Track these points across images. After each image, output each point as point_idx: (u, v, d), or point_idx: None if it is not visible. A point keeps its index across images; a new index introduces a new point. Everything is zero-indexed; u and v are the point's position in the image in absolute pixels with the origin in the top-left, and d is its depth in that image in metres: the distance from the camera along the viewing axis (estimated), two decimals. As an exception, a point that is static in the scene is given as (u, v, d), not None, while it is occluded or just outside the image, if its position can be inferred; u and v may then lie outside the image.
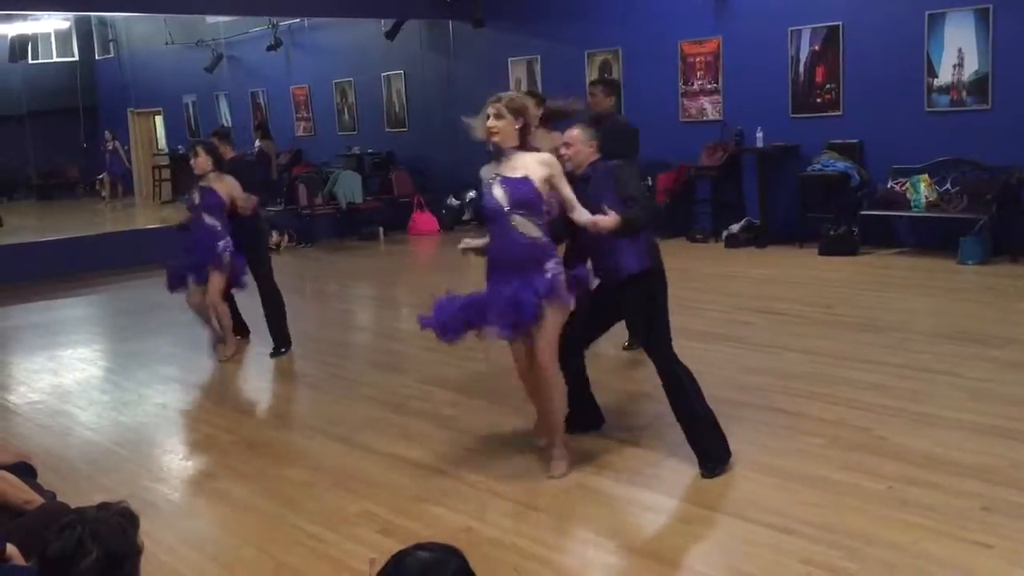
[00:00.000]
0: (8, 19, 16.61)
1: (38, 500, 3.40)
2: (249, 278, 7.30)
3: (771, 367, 5.99)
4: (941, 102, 9.68)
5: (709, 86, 11.63)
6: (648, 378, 5.89)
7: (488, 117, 4.30)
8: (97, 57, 21.97)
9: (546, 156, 4.31)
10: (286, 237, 13.41)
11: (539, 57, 13.55)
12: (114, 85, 21.33)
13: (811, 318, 7.28)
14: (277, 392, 6.71)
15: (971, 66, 9.41)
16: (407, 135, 15.78)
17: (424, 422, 5.44)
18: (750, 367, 6.01)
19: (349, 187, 14.26)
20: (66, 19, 19.16)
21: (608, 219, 4.17)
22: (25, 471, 3.81)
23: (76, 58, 21.42)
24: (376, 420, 5.53)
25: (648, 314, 4.45)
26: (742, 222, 11.04)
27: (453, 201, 14.52)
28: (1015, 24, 9.10)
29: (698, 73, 11.72)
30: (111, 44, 21.45)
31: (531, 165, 4.25)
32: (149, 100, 20.89)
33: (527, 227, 4.23)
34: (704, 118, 11.71)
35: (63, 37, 20.97)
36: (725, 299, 8.13)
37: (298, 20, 16.63)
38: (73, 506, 3.11)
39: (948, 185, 9.49)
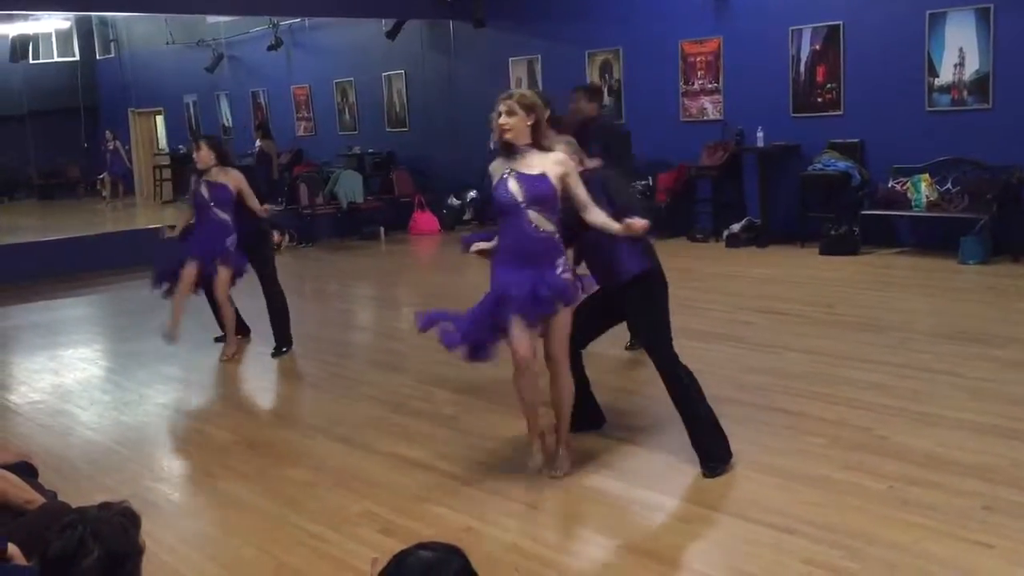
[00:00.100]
0: (9, 19, 16.61)
1: (39, 500, 3.40)
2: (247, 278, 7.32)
3: (772, 367, 5.99)
4: (942, 102, 9.68)
5: (710, 86, 11.62)
6: (649, 378, 5.89)
7: (500, 114, 4.27)
8: (98, 57, 21.98)
9: (560, 155, 4.29)
10: (287, 237, 13.40)
11: (540, 57, 13.55)
12: (115, 85, 21.33)
13: (812, 318, 7.27)
14: (278, 392, 6.71)
15: (972, 65, 9.41)
16: (408, 135, 15.78)
17: (425, 422, 5.44)
18: (751, 367, 6.01)
19: (350, 187, 14.26)
20: (67, 19, 19.15)
21: (642, 221, 4.17)
22: (26, 471, 3.81)
23: (77, 58, 21.43)
24: (377, 420, 5.53)
25: (650, 315, 4.46)
26: (743, 222, 11.04)
27: (454, 201, 14.52)
28: (1016, 23, 9.09)
29: (699, 73, 11.72)
30: (112, 44, 21.45)
31: (547, 163, 4.24)
32: (150, 100, 20.89)
33: (541, 222, 4.22)
34: (705, 118, 11.70)
35: (64, 37, 20.98)
36: (726, 299, 8.12)
37: (299, 20, 16.64)
38: (74, 506, 3.11)
39: (949, 185, 9.49)
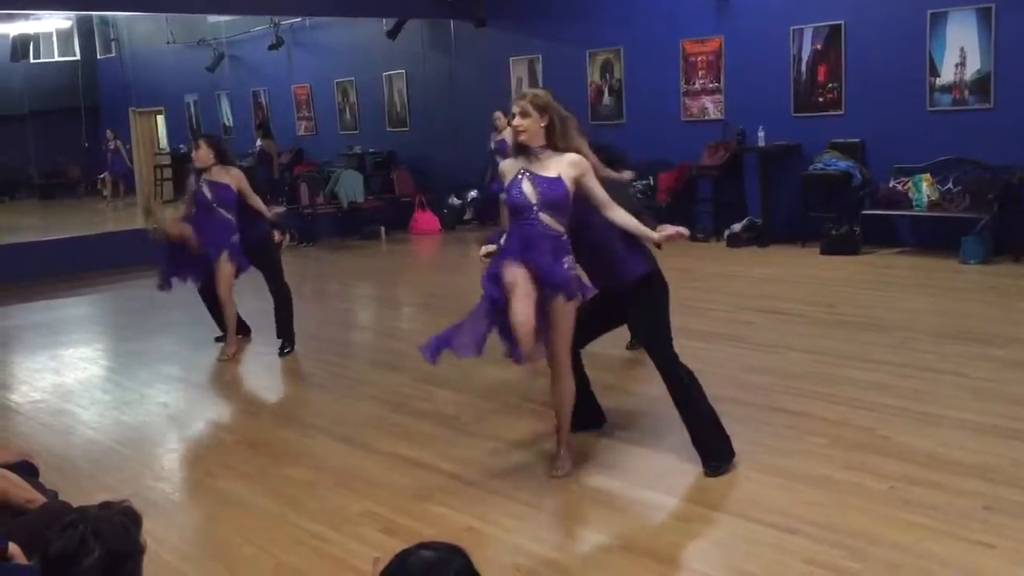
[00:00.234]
0: (10, 18, 16.61)
1: (40, 499, 3.40)
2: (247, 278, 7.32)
3: (773, 367, 5.99)
4: (943, 101, 9.68)
5: (711, 85, 11.62)
6: (649, 378, 5.89)
7: (514, 115, 4.23)
8: (99, 56, 21.96)
9: (575, 157, 4.23)
10: (287, 236, 13.39)
11: (540, 57, 13.54)
12: (116, 84, 21.31)
13: (813, 318, 7.27)
14: (279, 391, 6.70)
15: (973, 65, 9.41)
16: (408, 134, 15.78)
17: (426, 422, 5.44)
18: (752, 367, 6.00)
19: (350, 186, 14.27)
20: (68, 18, 19.15)
21: (681, 229, 4.24)
22: (27, 470, 3.81)
23: (78, 57, 21.40)
24: (378, 419, 5.53)
25: (651, 315, 4.46)
26: (744, 221, 11.03)
27: (454, 200, 14.53)
28: (1017, 23, 9.09)
29: (700, 72, 11.71)
30: (113, 43, 21.43)
31: (563, 165, 4.20)
32: (151, 99, 20.87)
33: (552, 223, 4.20)
34: (706, 117, 11.70)
35: (65, 36, 20.96)
36: (727, 298, 8.12)
37: (300, 19, 16.63)
38: (75, 505, 3.11)
39: (950, 184, 9.49)
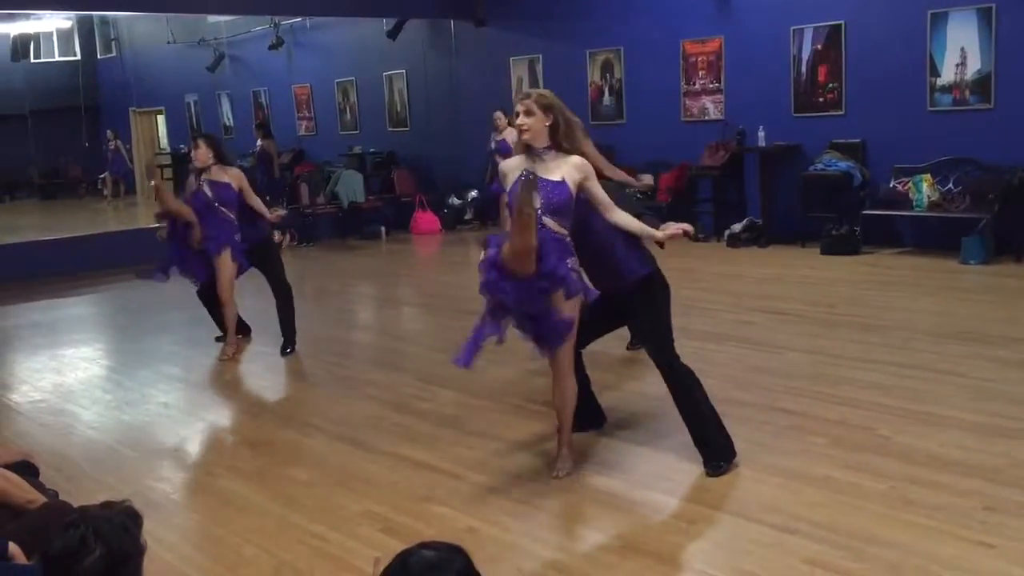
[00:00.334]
0: (10, 18, 16.63)
1: (40, 499, 3.40)
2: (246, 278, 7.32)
3: (774, 367, 5.99)
4: (944, 101, 9.67)
5: (711, 85, 11.62)
6: (650, 378, 5.89)
7: (518, 114, 4.19)
8: (99, 56, 21.99)
9: (579, 159, 4.20)
10: (288, 237, 13.40)
11: (540, 56, 13.55)
12: (116, 84, 21.34)
13: (813, 318, 7.27)
14: (279, 391, 6.70)
15: (974, 65, 9.41)
16: (409, 134, 15.79)
17: (426, 422, 5.43)
18: (752, 367, 6.00)
19: (351, 186, 14.27)
20: (68, 18, 19.17)
21: (685, 225, 4.23)
22: (27, 470, 3.81)
23: (78, 57, 21.42)
24: (378, 419, 5.53)
25: (653, 316, 4.46)
26: (744, 221, 11.03)
27: (455, 200, 14.53)
28: (1018, 23, 9.09)
29: (700, 72, 11.71)
30: (113, 43, 21.47)
31: (567, 168, 4.17)
32: (151, 99, 20.90)
33: (556, 227, 4.18)
34: (706, 117, 11.70)
35: (65, 36, 20.98)
36: (727, 299, 8.12)
37: (300, 19, 16.64)
38: (76, 505, 3.11)
39: (950, 185, 9.49)
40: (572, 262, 4.23)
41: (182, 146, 19.05)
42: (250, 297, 7.84)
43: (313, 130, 17.74)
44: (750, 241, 10.84)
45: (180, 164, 18.11)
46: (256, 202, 7.05)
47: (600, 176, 4.48)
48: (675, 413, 4.51)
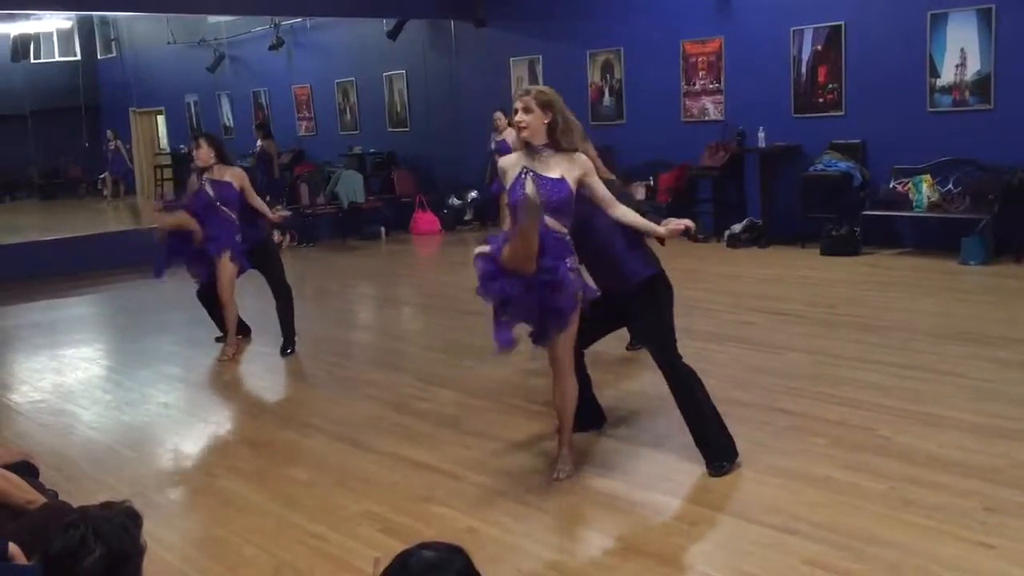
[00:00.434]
0: (10, 18, 16.62)
1: (40, 499, 3.40)
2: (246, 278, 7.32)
3: (774, 367, 5.99)
4: (943, 102, 9.68)
5: (711, 86, 11.62)
6: (650, 378, 5.89)
7: (517, 112, 4.18)
8: (99, 56, 21.98)
9: (578, 155, 4.19)
10: (288, 237, 13.41)
11: (540, 57, 13.55)
12: (116, 84, 21.33)
13: (813, 318, 7.27)
14: (279, 391, 6.70)
15: (973, 66, 9.41)
16: (409, 135, 15.79)
17: (426, 422, 5.43)
18: (753, 367, 6.00)
19: (351, 187, 14.27)
20: (68, 19, 19.16)
21: (680, 221, 4.20)
22: (27, 470, 3.81)
23: (78, 57, 21.42)
24: (378, 419, 5.53)
25: (656, 317, 4.45)
26: (744, 222, 11.03)
27: (455, 201, 14.53)
28: (1018, 24, 9.09)
29: (700, 73, 11.71)
30: (113, 43, 21.46)
31: (566, 166, 4.15)
32: (151, 99, 20.90)
33: (555, 225, 4.16)
34: (706, 118, 11.70)
35: (65, 36, 20.98)
36: (727, 299, 8.12)
37: (300, 20, 16.65)
38: (76, 505, 3.11)
39: (950, 185, 9.49)
40: (571, 261, 4.22)
41: (182, 146, 19.05)
42: (250, 297, 7.84)
43: (313, 130, 17.74)
44: (750, 242, 10.84)
45: (180, 164, 18.12)
46: (258, 202, 7.05)
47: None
48: (675, 413, 4.52)
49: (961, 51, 9.47)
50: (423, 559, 1.91)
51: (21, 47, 17.22)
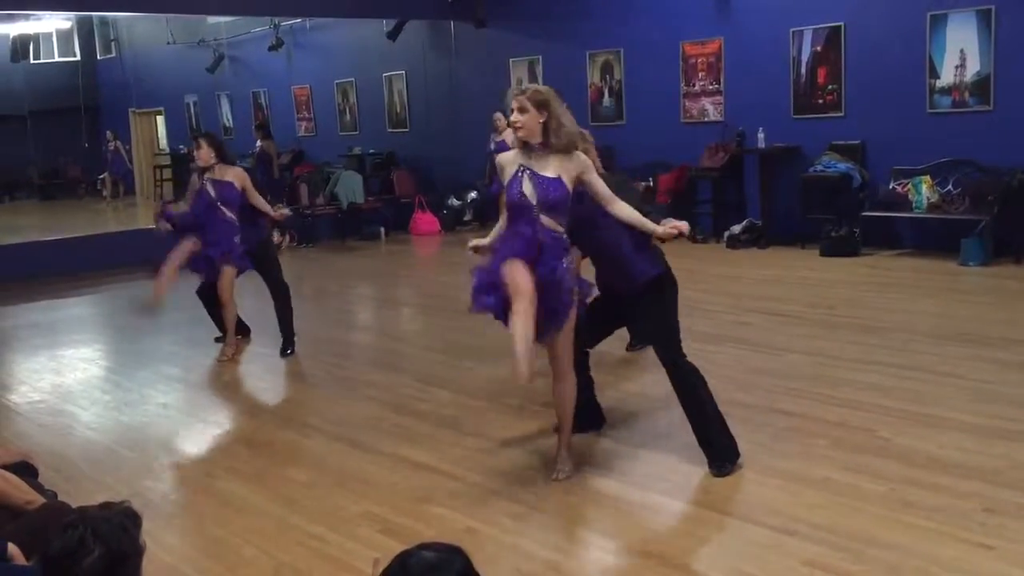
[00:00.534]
0: (10, 19, 16.62)
1: (39, 500, 3.40)
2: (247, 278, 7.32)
3: (773, 368, 5.99)
4: (943, 103, 9.68)
5: (711, 87, 11.62)
6: (650, 379, 5.89)
7: (512, 111, 4.18)
8: (99, 57, 21.98)
9: (575, 153, 4.18)
10: (287, 237, 13.41)
11: (540, 58, 13.55)
12: (116, 85, 21.33)
13: (813, 319, 7.27)
14: (278, 392, 6.70)
15: (973, 67, 9.41)
16: (408, 135, 15.79)
17: (426, 422, 5.43)
18: (752, 368, 6.00)
19: (350, 187, 14.27)
20: (68, 19, 19.16)
21: (679, 223, 4.13)
22: (26, 471, 3.81)
23: (78, 58, 21.41)
24: (377, 420, 5.53)
25: (662, 316, 4.44)
26: (743, 223, 11.03)
27: (454, 201, 14.53)
28: (1017, 25, 9.09)
29: (700, 74, 11.71)
30: (113, 44, 21.46)
31: (563, 164, 4.14)
32: (150, 100, 20.89)
33: (552, 224, 4.16)
34: (705, 119, 11.70)
35: (65, 37, 20.97)
36: (727, 300, 8.12)
37: (300, 20, 16.64)
38: (75, 506, 3.11)
39: (950, 186, 9.49)
40: (568, 259, 4.22)
41: (181, 147, 19.05)
42: (249, 298, 7.84)
43: (313, 131, 17.74)
44: (750, 242, 10.84)
45: (180, 165, 18.12)
46: (260, 201, 7.03)
47: None
48: (674, 414, 4.52)
49: (961, 52, 9.47)
50: (422, 560, 1.91)
51: (21, 47, 17.22)
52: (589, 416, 4.89)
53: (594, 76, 12.85)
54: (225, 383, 6.84)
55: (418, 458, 4.82)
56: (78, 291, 10.89)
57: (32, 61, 18.54)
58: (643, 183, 11.74)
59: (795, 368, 5.97)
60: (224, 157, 7.00)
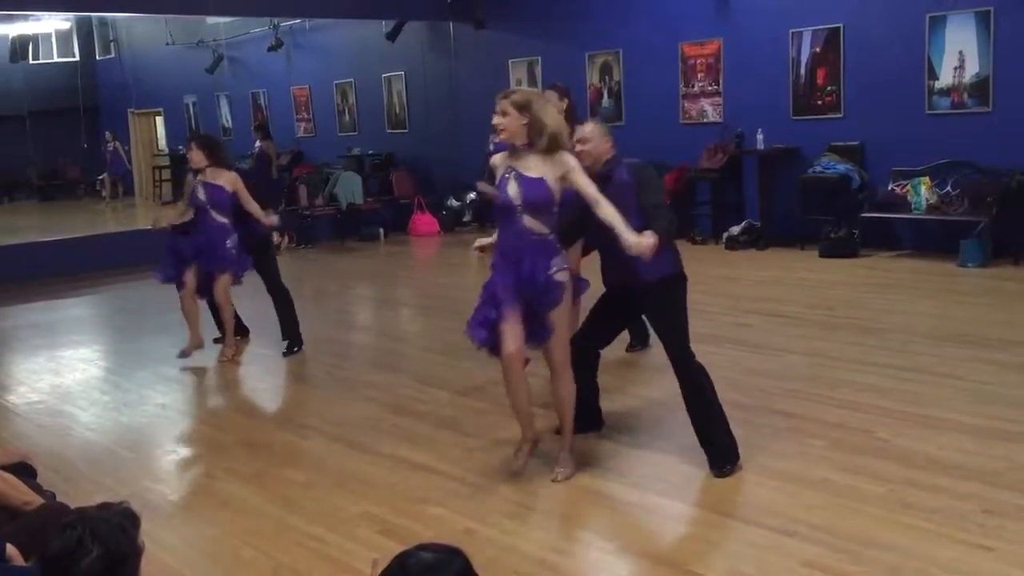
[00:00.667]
0: (9, 19, 16.63)
1: (37, 500, 3.40)
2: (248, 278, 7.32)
3: (772, 369, 5.99)
4: (942, 104, 9.68)
5: (710, 88, 11.63)
6: (649, 380, 5.90)
7: (496, 115, 4.24)
8: (98, 57, 21.99)
9: (560, 155, 4.19)
10: (286, 238, 13.39)
11: (539, 59, 13.55)
12: (115, 85, 21.34)
13: (812, 320, 7.27)
14: (277, 393, 6.70)
15: (972, 68, 9.41)
16: (408, 136, 15.79)
17: (425, 423, 5.43)
18: (751, 369, 6.00)
19: (349, 188, 14.27)
20: (67, 19, 19.17)
21: (649, 240, 4.07)
22: (25, 471, 3.81)
23: (77, 58, 21.43)
24: (376, 421, 5.52)
25: (671, 315, 4.44)
26: (742, 224, 11.04)
27: (453, 202, 14.54)
28: (1016, 26, 9.09)
29: (699, 75, 11.72)
30: (112, 44, 21.47)
31: (547, 166, 4.17)
32: (150, 101, 20.90)
33: (536, 226, 4.19)
34: (705, 120, 11.71)
35: (64, 37, 20.98)
36: (726, 301, 8.12)
37: (299, 21, 16.64)
38: (73, 506, 3.11)
39: (949, 188, 9.49)
40: (557, 261, 4.22)
41: (181, 148, 19.03)
42: (249, 299, 7.83)
43: (312, 131, 17.74)
44: (749, 243, 10.84)
45: (179, 165, 18.12)
46: (253, 207, 6.96)
47: None
48: (673, 416, 4.52)
49: (959, 54, 9.47)
50: (421, 560, 1.91)
51: (20, 48, 17.23)
52: (588, 417, 4.88)
53: (593, 77, 12.86)
54: (224, 384, 6.84)
55: (417, 459, 4.82)
56: (77, 292, 10.89)
57: (31, 62, 18.56)
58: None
59: (794, 369, 5.97)
60: (217, 160, 6.96)
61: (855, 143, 10.30)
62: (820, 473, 4.28)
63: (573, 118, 6.46)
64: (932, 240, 9.68)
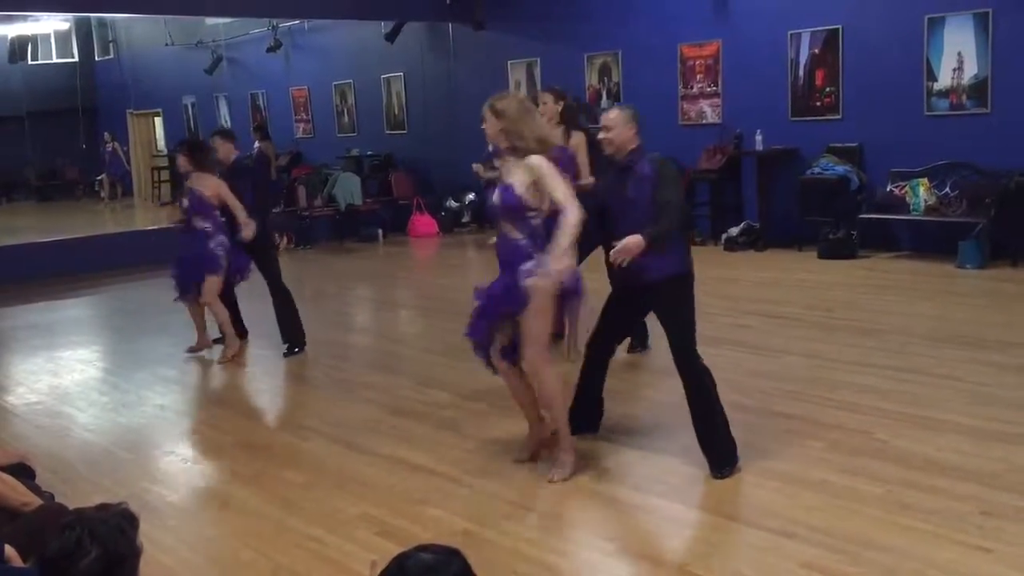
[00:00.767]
0: (8, 20, 16.63)
1: (36, 501, 3.40)
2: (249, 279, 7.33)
3: (771, 371, 5.99)
4: (940, 106, 9.69)
5: (709, 89, 11.63)
6: (649, 381, 5.91)
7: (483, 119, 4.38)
8: (97, 58, 21.99)
9: (531, 160, 4.20)
10: (285, 239, 13.42)
11: (539, 60, 13.56)
12: (113, 86, 21.33)
13: (811, 322, 7.28)
14: (276, 394, 6.70)
15: (970, 70, 9.42)
16: (406, 137, 15.79)
17: (423, 424, 5.43)
18: (750, 370, 6.00)
19: (348, 189, 14.27)
20: (66, 20, 19.17)
21: (633, 243, 4.10)
22: (23, 472, 3.81)
23: (76, 59, 21.43)
24: (375, 422, 5.52)
25: (679, 314, 4.44)
26: (741, 225, 11.04)
27: (452, 203, 14.54)
28: (1015, 28, 9.10)
29: (698, 76, 11.72)
30: (111, 45, 21.47)
31: (518, 172, 4.22)
32: (148, 101, 20.90)
33: (511, 231, 4.28)
34: (703, 121, 11.71)
35: (63, 38, 20.98)
36: (724, 302, 8.12)
37: (298, 22, 16.65)
38: (72, 507, 3.10)
39: (947, 189, 9.49)
40: (530, 264, 4.21)
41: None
42: (247, 300, 7.83)
43: (311, 132, 17.73)
44: (747, 245, 10.85)
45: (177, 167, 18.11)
46: (239, 213, 6.91)
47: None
48: (672, 417, 4.52)
49: (958, 55, 9.48)
50: (420, 562, 1.91)
51: (19, 48, 17.23)
52: (588, 418, 4.88)
53: (592, 78, 12.86)
54: (223, 385, 6.85)
55: (416, 460, 4.82)
56: (76, 292, 10.88)
57: (30, 62, 18.55)
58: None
59: (793, 370, 5.97)
60: (200, 165, 6.96)
61: (854, 144, 10.30)
62: (819, 474, 4.28)
63: (568, 121, 6.49)
64: (931, 241, 9.69)
